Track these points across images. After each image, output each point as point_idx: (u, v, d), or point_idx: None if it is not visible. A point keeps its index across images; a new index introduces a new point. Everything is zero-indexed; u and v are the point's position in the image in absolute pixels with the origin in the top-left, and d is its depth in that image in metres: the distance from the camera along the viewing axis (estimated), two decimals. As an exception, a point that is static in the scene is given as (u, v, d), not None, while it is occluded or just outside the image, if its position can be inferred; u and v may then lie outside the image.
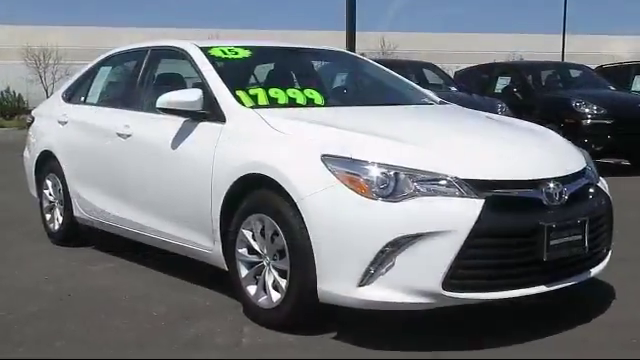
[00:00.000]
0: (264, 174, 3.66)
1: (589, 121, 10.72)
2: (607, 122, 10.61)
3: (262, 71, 4.83)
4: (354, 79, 5.10)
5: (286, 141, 3.70)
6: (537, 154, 3.76)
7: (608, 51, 47.04)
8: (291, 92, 4.32)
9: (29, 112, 6.88)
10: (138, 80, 5.05)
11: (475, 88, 12.26)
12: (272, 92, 4.28)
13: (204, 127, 4.20)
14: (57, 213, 5.95)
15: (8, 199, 8.41)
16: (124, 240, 5.29)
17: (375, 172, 3.35)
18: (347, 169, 3.39)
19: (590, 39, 50.85)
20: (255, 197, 3.79)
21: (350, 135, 3.60)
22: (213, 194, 4.01)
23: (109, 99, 5.54)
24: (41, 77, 41.57)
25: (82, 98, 5.79)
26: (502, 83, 12.85)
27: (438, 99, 5.01)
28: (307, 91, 4.37)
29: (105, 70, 5.66)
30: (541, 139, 4.06)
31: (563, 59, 32.38)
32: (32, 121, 6.42)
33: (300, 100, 4.29)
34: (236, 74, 4.58)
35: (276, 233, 3.67)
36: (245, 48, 4.80)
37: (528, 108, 11.18)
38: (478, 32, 51.74)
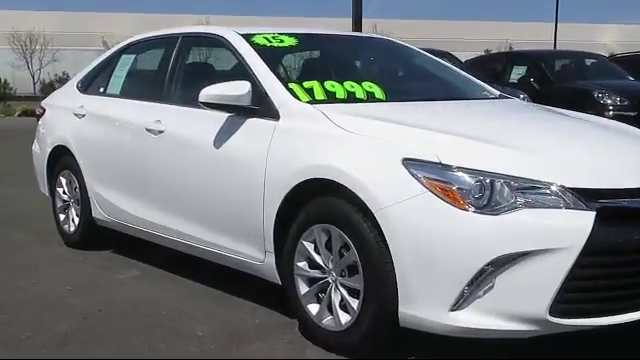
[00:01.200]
0: (332, 179, 3.22)
1: (612, 112, 10.32)
2: (631, 114, 10.24)
3: (312, 62, 4.36)
4: (408, 71, 4.65)
5: (358, 142, 3.25)
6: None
7: (599, 40, 46.90)
8: (348, 85, 3.87)
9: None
10: (169, 70, 4.58)
11: (485, 78, 11.82)
12: (328, 85, 3.83)
13: (254, 124, 3.75)
14: (73, 213, 5.47)
15: (6, 193, 7.91)
16: (145, 243, 4.85)
17: (469, 180, 2.91)
18: (435, 176, 2.96)
19: (581, 27, 50.62)
20: (319, 205, 3.35)
21: (434, 136, 3.16)
22: (266, 200, 3.57)
23: (134, 91, 5.05)
24: (27, 63, 40.75)
25: (101, 89, 5.30)
26: (517, 73, 12.42)
27: (497, 92, 4.57)
28: (365, 84, 3.91)
29: (127, 59, 5.18)
30: (637, 140, 3.64)
31: (555, 48, 32.06)
32: (43, 112, 5.91)
33: (360, 94, 3.84)
34: (285, 65, 4.12)
35: (346, 247, 3.24)
36: (289, 35, 4.34)
37: (545, 99, 10.70)
38: (466, 20, 51.38)
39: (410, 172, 2.99)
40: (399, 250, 2.97)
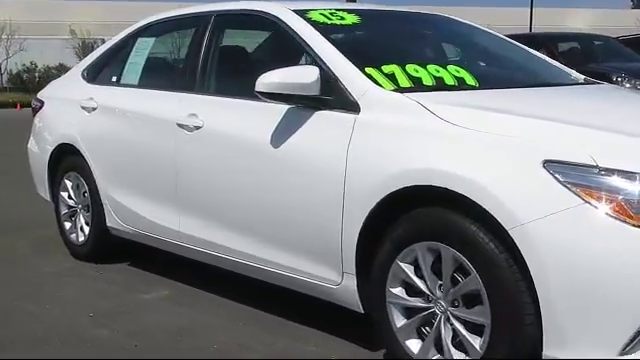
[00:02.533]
0: (444, 187, 2.57)
1: (631, 97, 9.77)
2: (652, 98, 9.70)
3: (381, 42, 3.69)
4: (485, 53, 3.99)
5: (476, 140, 2.61)
6: None
7: (572, 24, 46.76)
8: (433, 69, 3.21)
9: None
10: (202, 55, 3.88)
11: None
12: (411, 70, 3.17)
13: (325, 119, 3.08)
14: (81, 221, 4.77)
15: (-3, 196, 7.16)
16: (165, 254, 4.20)
17: (638, 187, 2.28)
18: (591, 182, 2.32)
19: (555, 12, 50.50)
20: (424, 218, 2.70)
21: (577, 131, 2.52)
22: (346, 211, 2.91)
23: (157, 79, 4.36)
24: (-7, 53, 39.43)
25: (114, 78, 4.58)
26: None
27: (581, 76, 3.94)
28: (452, 68, 3.26)
29: (145, 42, 4.46)
30: None
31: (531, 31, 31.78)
32: (40, 106, 5.17)
33: (449, 80, 3.19)
34: (355, 46, 3.44)
35: (461, 270, 2.60)
36: (349, 12, 3.67)
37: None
38: (444, 5, 50.96)
39: (556, 178, 2.36)
40: (545, 278, 2.34)
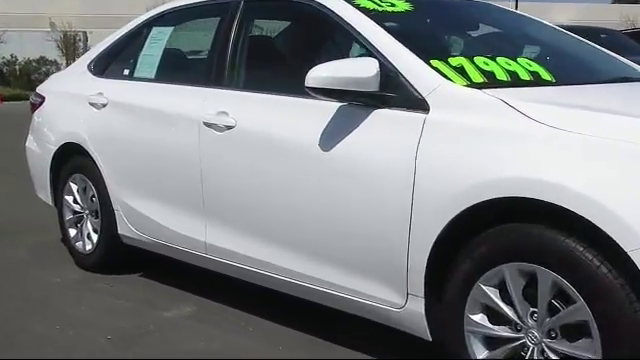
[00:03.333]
0: (540, 199, 2.20)
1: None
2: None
3: (440, 32, 3.30)
4: (546, 45, 3.61)
5: (582, 145, 2.23)
6: None
7: (556, 18, 46.73)
8: (504, 62, 2.83)
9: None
10: (230, 46, 3.47)
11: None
12: (480, 63, 2.79)
13: (386, 118, 2.70)
14: (88, 228, 4.35)
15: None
16: (180, 263, 3.84)
17: None
18: None
19: (539, 6, 50.46)
20: (515, 236, 2.34)
21: None
22: (414, 225, 2.54)
23: (178, 73, 3.95)
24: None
25: (126, 71, 4.16)
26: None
27: (646, 71, 3.59)
28: (522, 61, 2.89)
29: (161, 32, 4.04)
30: None
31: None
32: (41, 102, 4.73)
33: (523, 75, 2.82)
34: (413, 36, 3.05)
35: (561, 296, 2.23)
36: (398, -2, 3.28)
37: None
38: None
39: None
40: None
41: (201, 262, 3.60)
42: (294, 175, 2.97)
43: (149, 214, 3.82)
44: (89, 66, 4.44)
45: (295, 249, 3.02)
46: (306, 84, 2.73)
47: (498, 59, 2.85)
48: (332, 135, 2.83)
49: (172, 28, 4.02)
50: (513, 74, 2.78)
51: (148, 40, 4.07)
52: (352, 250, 2.79)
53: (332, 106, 2.85)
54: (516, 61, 2.88)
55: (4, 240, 5.08)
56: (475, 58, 2.81)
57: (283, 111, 3.08)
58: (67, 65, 39.38)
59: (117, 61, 4.31)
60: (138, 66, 4.06)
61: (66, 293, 3.99)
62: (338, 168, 2.79)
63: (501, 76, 2.74)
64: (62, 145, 4.40)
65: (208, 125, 3.36)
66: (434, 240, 2.49)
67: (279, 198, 3.05)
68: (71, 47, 39.13)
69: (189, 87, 3.64)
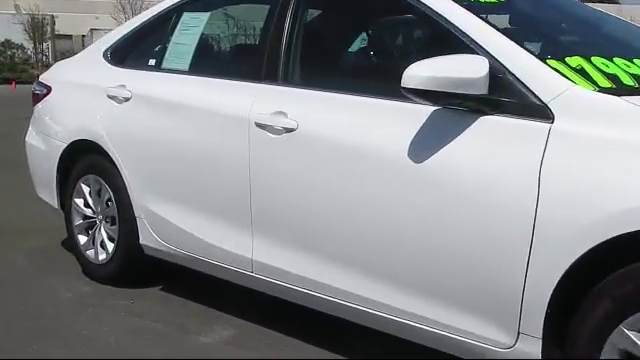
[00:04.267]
0: None
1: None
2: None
3: (544, 27, 2.89)
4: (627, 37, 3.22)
5: None
6: None
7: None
8: (622, 64, 2.44)
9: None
10: (287, 35, 3.05)
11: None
12: (599, 63, 2.40)
13: (499, 127, 2.31)
14: (102, 235, 3.89)
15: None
16: (207, 277, 3.42)
17: None
18: None
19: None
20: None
21: None
22: (535, 255, 2.17)
23: (219, 65, 3.52)
24: None
25: (152, 61, 3.69)
26: None
27: None
28: (620, 62, 2.49)
29: (194, 18, 3.58)
30: None
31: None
32: (47, 92, 4.23)
33: (641, 79, 2.42)
34: (519, 31, 2.65)
35: None
36: (486, -12, 2.87)
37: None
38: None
39: None
40: None
41: (245, 281, 3.18)
42: (373, 190, 2.56)
43: (181, 224, 3.38)
44: (105, 54, 3.96)
45: (372, 275, 2.62)
46: (403, 84, 2.32)
47: (615, 59, 2.46)
48: (426, 145, 2.42)
49: (208, 13, 3.56)
50: (638, 78, 2.39)
51: (178, 27, 3.61)
52: (450, 280, 2.40)
53: (423, 110, 2.45)
54: (633, 62, 2.50)
55: (1, 244, 4.58)
56: (593, 58, 2.41)
57: (360, 114, 2.67)
58: (35, 49, 38.40)
59: (140, 50, 3.85)
60: (167, 56, 3.60)
61: (81, 310, 3.54)
62: (435, 184, 2.39)
63: (627, 80, 2.35)
64: (73, 142, 3.93)
65: (261, 126, 2.93)
66: (561, 275, 2.10)
67: (356, 215, 2.63)
68: (38, 31, 37.97)
69: (234, 82, 3.21)
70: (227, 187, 3.12)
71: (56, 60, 38.66)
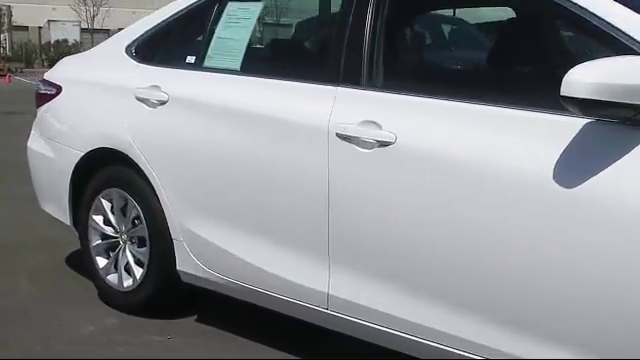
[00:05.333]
0: None
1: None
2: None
3: None
4: None
5: None
6: None
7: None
8: None
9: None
10: (369, 27, 2.57)
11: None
12: None
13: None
14: (127, 258, 3.38)
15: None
16: (243, 306, 2.98)
17: None
18: None
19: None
20: None
21: None
22: None
23: (280, 64, 3.01)
24: None
25: (191, 58, 3.18)
26: None
27: None
28: None
29: (242, 9, 3.06)
30: None
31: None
32: (57, 92, 3.69)
33: None
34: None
35: None
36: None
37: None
38: None
39: None
40: None
41: (317, 319, 2.70)
42: (508, 221, 2.11)
43: (232, 249, 2.90)
44: (129, 50, 3.44)
45: (497, 322, 2.17)
46: (562, 92, 1.87)
47: None
48: (575, 166, 1.98)
49: (261, 3, 3.06)
50: None
51: (223, 18, 3.11)
52: (603, 327, 1.95)
53: (567, 122, 2.00)
54: None
55: (2, 262, 4.05)
56: None
57: (481, 126, 2.21)
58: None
59: (172, 45, 3.34)
60: (210, 52, 3.10)
61: (111, 348, 3.02)
62: (590, 215, 1.95)
63: None
64: (91, 151, 3.40)
65: (345, 138, 2.46)
66: None
67: (474, 251, 2.18)
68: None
69: (302, 84, 2.72)
70: (297, 208, 2.64)
71: (13, 51, 37.39)
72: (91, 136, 3.42)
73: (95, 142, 3.38)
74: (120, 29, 3.69)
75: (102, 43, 3.87)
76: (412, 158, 2.31)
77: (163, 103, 3.11)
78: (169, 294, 3.29)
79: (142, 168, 3.17)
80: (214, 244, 2.96)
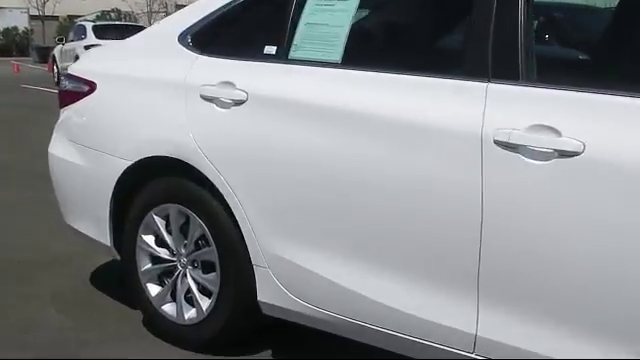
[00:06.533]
0: None
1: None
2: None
3: None
4: None
5: None
6: None
7: None
8: None
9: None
10: (523, 9, 2.08)
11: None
12: None
13: None
14: (189, 285, 2.85)
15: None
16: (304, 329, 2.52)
17: None
18: None
19: None
20: None
21: None
22: None
23: (398, 55, 2.51)
24: None
25: (271, 49, 2.65)
26: None
27: None
28: None
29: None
30: None
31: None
32: (89, 90, 3.12)
33: None
34: None
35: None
36: None
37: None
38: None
39: None
40: None
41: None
42: None
43: (343, 281, 2.41)
44: (183, 39, 2.89)
45: None
46: None
47: None
48: None
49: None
50: None
51: (310, 1, 2.58)
52: None
53: None
54: None
55: (21, 284, 3.52)
56: None
57: None
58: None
59: (243, 32, 2.81)
60: (297, 42, 2.57)
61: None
62: None
63: None
64: (142, 159, 2.85)
65: (508, 147, 1.97)
66: None
67: None
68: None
69: (436, 79, 2.23)
70: (436, 234, 2.16)
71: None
72: (141, 142, 2.88)
73: (147, 149, 2.84)
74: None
75: (141, 32, 3.30)
76: (607, 173, 1.84)
77: (240, 103, 2.59)
78: (244, 328, 2.78)
79: (212, 180, 2.65)
80: (314, 273, 2.47)
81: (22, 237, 4.29)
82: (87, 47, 16.31)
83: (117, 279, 3.31)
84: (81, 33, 17.49)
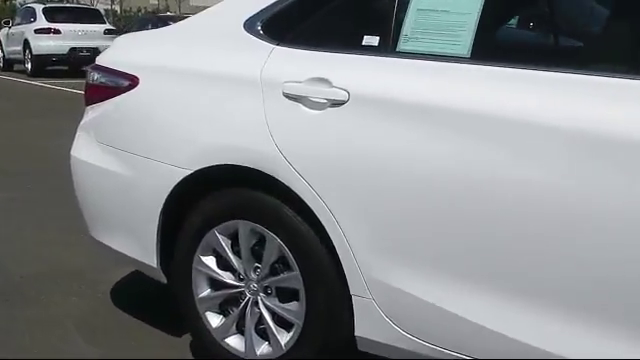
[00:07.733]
0: None
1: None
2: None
3: None
4: None
5: None
6: None
7: None
8: None
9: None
10: None
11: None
12: None
13: None
14: (262, 313, 2.42)
15: None
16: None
17: None
18: None
19: None
20: None
21: None
22: None
23: (551, 49, 2.12)
24: None
25: (372, 39, 2.23)
26: None
27: None
28: None
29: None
30: None
31: None
32: (129, 85, 2.66)
33: None
34: None
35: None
36: None
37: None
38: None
39: None
40: None
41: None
42: None
43: (462, 312, 2.01)
44: (251, 26, 2.45)
45: None
46: None
47: None
48: None
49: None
50: None
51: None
52: None
53: None
54: None
55: (38, 305, 3.06)
56: None
57: None
58: None
59: (333, 18, 2.38)
60: (406, 31, 2.17)
61: None
62: None
63: None
64: (204, 168, 2.41)
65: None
66: None
67: None
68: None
69: (605, 78, 1.85)
70: (595, 256, 1.80)
71: None
72: (203, 148, 2.44)
73: (211, 157, 2.41)
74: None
75: (194, 17, 2.83)
76: None
77: (338, 104, 2.17)
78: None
79: (299, 194, 2.23)
80: (431, 304, 2.07)
81: (8, 245, 3.77)
82: (37, 31, 15.54)
83: (142, 297, 2.88)
84: (30, 16, 16.61)
